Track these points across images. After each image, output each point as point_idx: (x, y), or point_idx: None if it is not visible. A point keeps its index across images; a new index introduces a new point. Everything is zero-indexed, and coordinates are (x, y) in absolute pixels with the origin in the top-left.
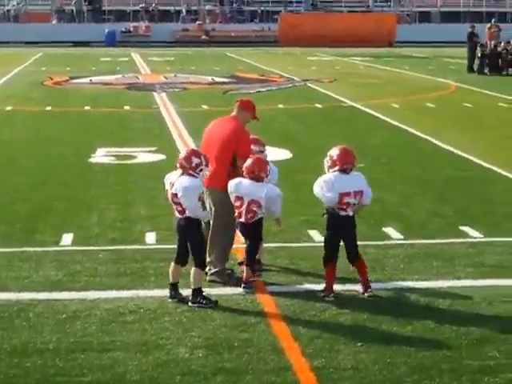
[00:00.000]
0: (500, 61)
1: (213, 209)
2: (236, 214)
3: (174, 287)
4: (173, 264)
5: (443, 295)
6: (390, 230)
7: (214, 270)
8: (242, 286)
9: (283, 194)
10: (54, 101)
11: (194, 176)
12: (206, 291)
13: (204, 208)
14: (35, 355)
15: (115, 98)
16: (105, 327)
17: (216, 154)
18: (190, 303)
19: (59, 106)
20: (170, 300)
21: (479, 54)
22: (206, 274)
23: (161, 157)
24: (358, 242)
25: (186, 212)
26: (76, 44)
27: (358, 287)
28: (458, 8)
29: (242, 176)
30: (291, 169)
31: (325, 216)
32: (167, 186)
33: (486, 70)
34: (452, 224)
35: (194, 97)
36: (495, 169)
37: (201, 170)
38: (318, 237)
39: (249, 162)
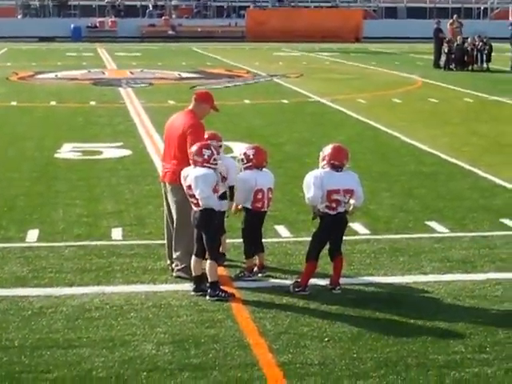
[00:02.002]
0: (466, 57)
1: (174, 205)
2: (259, 205)
3: (197, 280)
4: (194, 257)
5: (409, 290)
6: (356, 226)
7: (181, 265)
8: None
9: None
10: (20, 96)
11: (208, 168)
12: (173, 287)
13: (223, 197)
14: (0, 352)
15: (81, 93)
16: (71, 324)
17: (174, 149)
18: (208, 297)
19: (25, 101)
20: (193, 293)
21: (446, 50)
22: (173, 269)
23: (127, 152)
24: None
25: (200, 204)
26: (42, 39)
27: (326, 282)
28: (424, 4)
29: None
30: None
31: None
32: (182, 180)
33: (452, 66)
34: (418, 219)
35: (161, 92)
36: (461, 164)
37: (215, 160)
38: (284, 232)
39: (256, 152)
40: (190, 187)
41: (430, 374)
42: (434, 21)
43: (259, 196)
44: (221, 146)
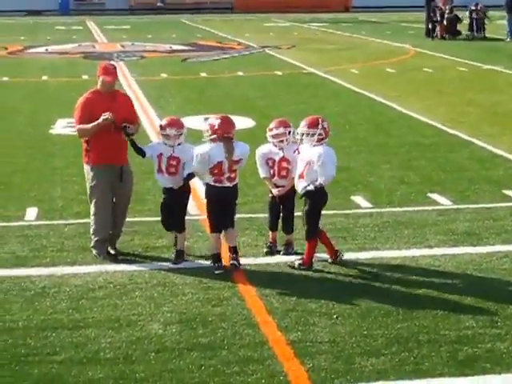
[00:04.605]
0: (458, 25)
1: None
2: None
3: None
4: (214, 234)
5: (416, 264)
6: (358, 199)
7: (95, 238)
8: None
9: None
10: (11, 71)
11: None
12: (176, 265)
13: None
14: (5, 334)
15: (72, 67)
16: (75, 304)
17: None
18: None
19: (16, 76)
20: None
21: (438, 18)
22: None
23: None
24: (326, 211)
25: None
26: (29, 13)
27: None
28: None
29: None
30: (255, 138)
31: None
32: (221, 158)
33: (444, 35)
34: (420, 192)
35: (153, 65)
36: (459, 134)
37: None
38: None
39: None
40: (237, 162)
41: (443, 350)
42: None
43: None
44: (181, 134)
